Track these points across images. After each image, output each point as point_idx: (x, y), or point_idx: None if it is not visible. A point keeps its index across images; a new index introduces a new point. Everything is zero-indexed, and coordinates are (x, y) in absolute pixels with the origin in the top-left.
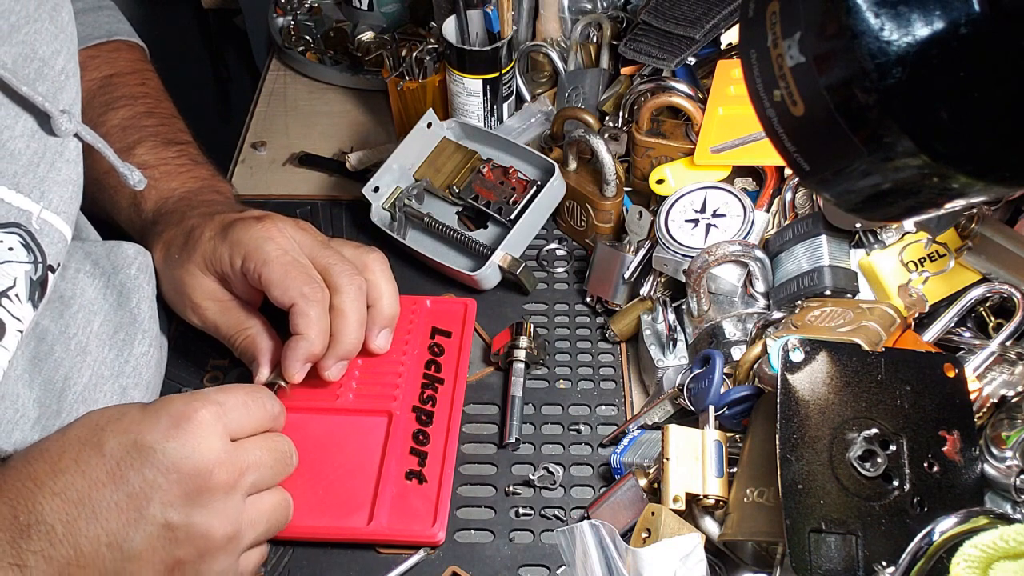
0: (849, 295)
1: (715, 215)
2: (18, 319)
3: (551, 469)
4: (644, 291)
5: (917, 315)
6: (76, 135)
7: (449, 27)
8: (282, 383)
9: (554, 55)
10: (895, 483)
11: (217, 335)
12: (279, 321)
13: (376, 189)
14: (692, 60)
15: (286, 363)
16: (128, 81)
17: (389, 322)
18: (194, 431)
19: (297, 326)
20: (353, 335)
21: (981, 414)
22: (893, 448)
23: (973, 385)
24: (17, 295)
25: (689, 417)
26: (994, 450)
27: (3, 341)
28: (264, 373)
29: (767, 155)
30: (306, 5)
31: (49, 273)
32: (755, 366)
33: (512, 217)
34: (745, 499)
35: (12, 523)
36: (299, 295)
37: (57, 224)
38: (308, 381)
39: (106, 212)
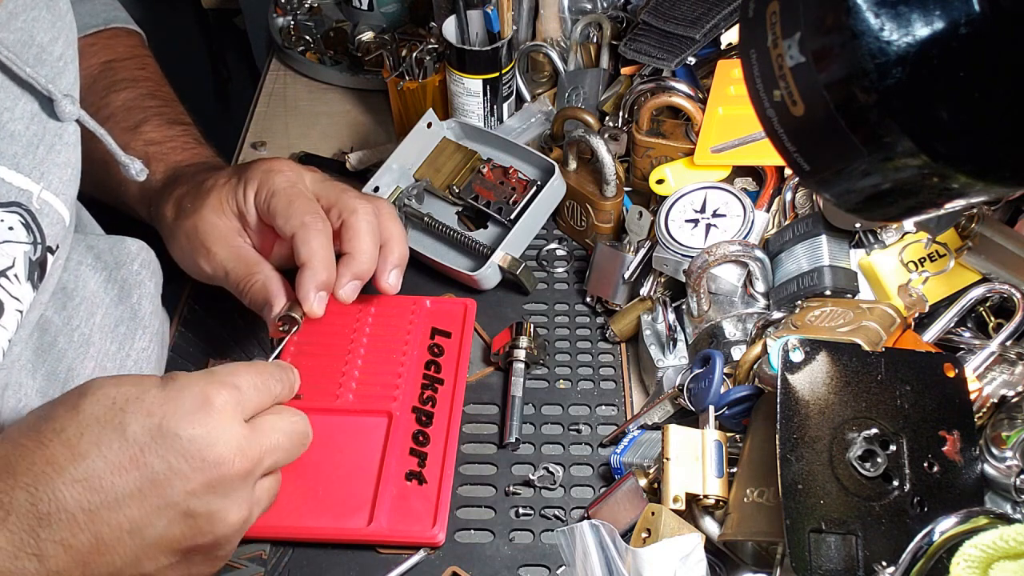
0: (849, 295)
1: (715, 215)
2: (17, 299)
3: (551, 469)
4: (644, 291)
5: (917, 315)
6: (78, 120)
7: (449, 27)
8: (296, 316)
9: (554, 55)
10: (895, 483)
11: (227, 283)
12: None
13: (376, 189)
14: (692, 60)
15: (301, 294)
16: (128, 65)
17: (400, 261)
18: (216, 418)
19: (299, 255)
20: (367, 253)
21: (981, 414)
22: (893, 448)
23: (973, 385)
24: (16, 275)
25: (689, 417)
26: (994, 450)
27: (2, 320)
28: (279, 304)
29: (767, 155)
30: (306, 5)
31: (48, 254)
32: (755, 366)
33: (512, 217)
34: (745, 499)
35: (31, 511)
36: (300, 224)
37: (56, 205)
38: (309, 380)
39: (113, 192)
